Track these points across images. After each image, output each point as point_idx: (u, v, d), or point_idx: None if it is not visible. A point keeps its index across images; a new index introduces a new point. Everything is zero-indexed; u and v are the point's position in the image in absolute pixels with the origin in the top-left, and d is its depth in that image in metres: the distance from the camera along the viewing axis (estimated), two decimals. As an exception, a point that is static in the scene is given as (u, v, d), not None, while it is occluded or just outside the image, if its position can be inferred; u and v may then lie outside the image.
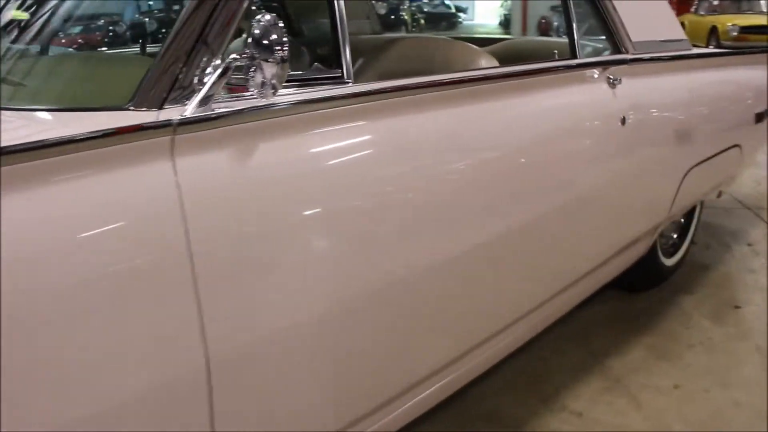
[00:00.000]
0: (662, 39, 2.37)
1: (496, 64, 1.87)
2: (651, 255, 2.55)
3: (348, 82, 1.30)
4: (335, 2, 1.32)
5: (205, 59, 1.07)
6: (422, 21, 17.12)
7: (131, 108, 1.02)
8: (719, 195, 2.97)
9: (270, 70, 1.04)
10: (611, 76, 1.90)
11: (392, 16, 12.81)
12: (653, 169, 2.10)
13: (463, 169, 1.46)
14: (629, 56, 2.03)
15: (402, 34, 3.51)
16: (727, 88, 2.66)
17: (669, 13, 2.49)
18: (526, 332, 1.85)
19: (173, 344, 0.95)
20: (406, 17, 14.06)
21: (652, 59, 2.14)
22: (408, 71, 1.98)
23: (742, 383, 2.12)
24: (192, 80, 1.05)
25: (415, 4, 19.68)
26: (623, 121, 1.89)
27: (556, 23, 11.46)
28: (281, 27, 1.05)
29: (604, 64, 1.91)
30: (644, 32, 2.25)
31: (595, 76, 1.88)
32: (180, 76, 1.05)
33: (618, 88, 1.90)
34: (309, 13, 3.35)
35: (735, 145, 2.74)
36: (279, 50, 1.03)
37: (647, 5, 2.33)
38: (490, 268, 1.57)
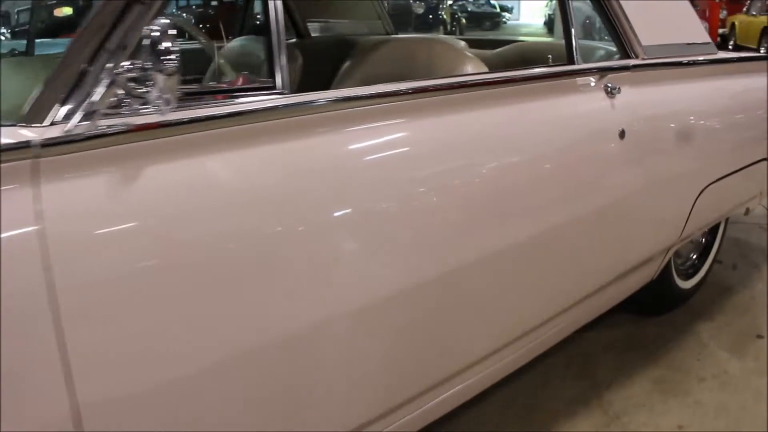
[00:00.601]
0: (680, 42, 2.17)
1: (483, 69, 1.71)
2: (663, 278, 2.35)
3: (283, 93, 1.16)
4: (270, 2, 1.19)
5: (105, 69, 0.95)
6: (463, 21, 16.85)
7: (21, 124, 0.91)
8: (747, 212, 2.73)
9: (162, 82, 0.92)
10: (610, 84, 1.72)
11: (430, 16, 12.62)
12: (659, 187, 1.90)
13: (426, 191, 1.31)
14: (632, 62, 1.84)
15: (404, 35, 3.36)
16: (753, 96, 2.43)
17: (689, 14, 2.28)
18: (519, 358, 1.70)
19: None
20: (445, 17, 13.81)
21: (660, 65, 1.95)
22: (391, 75, 1.86)
23: (758, 426, 1.91)
24: (88, 93, 0.93)
25: (458, 3, 19.43)
26: (622, 134, 1.70)
27: (598, 25, 11.12)
28: (173, 34, 0.92)
29: (602, 71, 1.73)
30: (658, 35, 2.05)
31: (592, 84, 1.70)
32: (75, 88, 0.93)
33: (617, 97, 1.72)
34: (317, 14, 3.24)
35: (763, 159, 2.51)
36: (169, 60, 0.90)
37: (663, 6, 2.14)
38: (475, 291, 1.44)
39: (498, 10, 22.69)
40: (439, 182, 1.32)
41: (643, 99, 1.84)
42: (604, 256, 1.81)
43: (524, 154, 1.51)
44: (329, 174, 1.15)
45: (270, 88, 1.16)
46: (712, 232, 2.70)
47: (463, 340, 1.44)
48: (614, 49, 1.95)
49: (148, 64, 0.91)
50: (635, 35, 1.94)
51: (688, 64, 2.08)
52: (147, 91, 0.93)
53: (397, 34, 3.42)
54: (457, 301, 1.39)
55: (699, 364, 2.24)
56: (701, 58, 2.16)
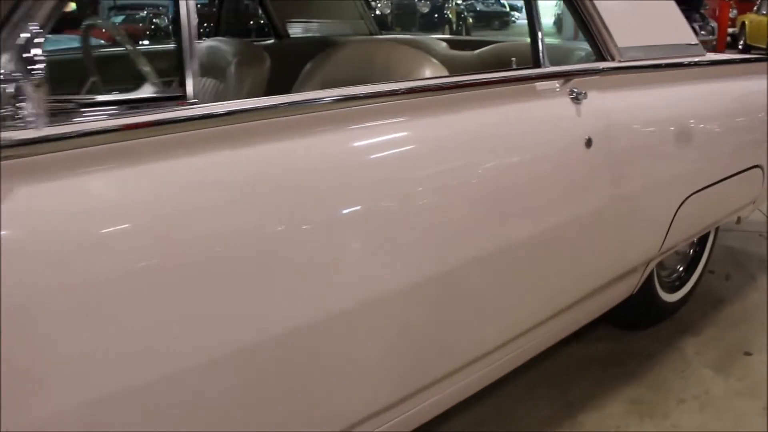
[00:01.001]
0: (663, 44, 2.05)
1: (443, 73, 1.61)
2: (645, 291, 2.23)
3: (193, 104, 1.07)
4: (182, 3, 1.09)
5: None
6: (470, 20, 16.66)
7: None
8: (738, 221, 2.60)
9: (31, 93, 0.83)
10: (575, 90, 1.61)
11: (435, 15, 12.48)
12: (633, 199, 1.79)
13: (372, 207, 1.21)
14: (601, 65, 1.72)
15: (368, 37, 3.25)
16: (746, 100, 2.31)
17: (674, 14, 2.17)
18: (489, 374, 1.62)
19: None
20: (450, 16, 13.68)
21: (636, 68, 1.83)
22: (348, 79, 1.76)
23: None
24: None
25: (466, 2, 19.25)
26: (588, 143, 1.59)
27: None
28: (41, 41, 0.82)
29: (567, 75, 1.62)
30: (637, 36, 1.94)
31: (556, 89, 1.59)
32: None
33: (584, 103, 1.61)
34: (297, 14, 3.15)
35: (755, 166, 2.38)
36: (35, 69, 0.81)
37: (645, 5, 2.02)
38: (425, 314, 1.35)
39: (507, 9, 22.47)
40: (371, 199, 1.22)
41: (615, 105, 1.72)
42: (570, 272, 1.70)
43: (478, 165, 1.40)
44: (227, 192, 1.05)
45: (178, 98, 1.07)
46: (702, 242, 2.58)
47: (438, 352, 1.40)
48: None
49: (16, 73, 0.82)
50: (610, 36, 1.83)
51: (669, 66, 1.97)
52: (19, 103, 0.84)
53: (404, 33, 3.33)
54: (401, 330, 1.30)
55: (681, 382, 2.12)
56: (685, 60, 2.05)
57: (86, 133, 0.90)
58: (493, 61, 2.32)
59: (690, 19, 9.26)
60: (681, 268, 2.51)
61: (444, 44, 2.86)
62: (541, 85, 1.53)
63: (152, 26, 13.38)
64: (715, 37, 10.06)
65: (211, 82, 2.44)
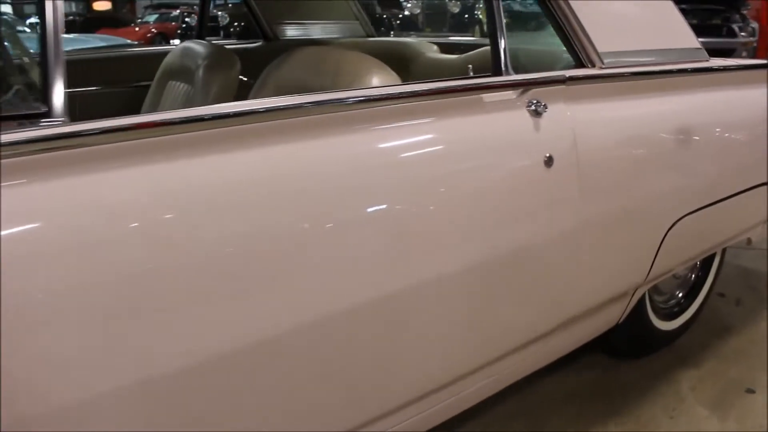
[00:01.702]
0: (658, 48, 1.86)
1: (394, 81, 1.47)
2: (635, 319, 2.04)
3: (57, 122, 0.94)
4: (47, 4, 0.96)
5: None
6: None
7: None
8: (749, 242, 2.38)
9: None
10: (535, 101, 1.43)
11: (465, 16, 12.24)
12: (606, 223, 1.61)
13: (305, 228, 1.10)
14: (567, 73, 1.54)
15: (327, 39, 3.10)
16: (751, 111, 2.10)
17: (672, 14, 1.97)
18: (456, 403, 1.49)
19: None
20: (481, 17, 13.36)
21: (613, 76, 1.65)
22: (299, 85, 1.63)
23: None
24: None
25: (504, 2, 18.83)
26: (549, 161, 1.42)
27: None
28: None
29: (528, 84, 1.45)
30: (624, 40, 1.76)
31: (512, 100, 1.42)
32: None
33: (544, 116, 1.44)
34: (284, 15, 3.02)
35: (762, 184, 2.17)
36: None
37: (634, 6, 1.84)
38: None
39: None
40: (315, 216, 1.10)
41: (586, 117, 1.54)
42: (536, 300, 1.53)
43: (418, 186, 1.25)
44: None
45: (40, 116, 0.94)
46: (706, 265, 2.37)
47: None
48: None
49: None
50: (589, 41, 1.66)
51: (657, 73, 1.78)
52: None
53: (433, 34, 3.19)
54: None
55: (671, 422, 1.93)
56: (677, 66, 1.85)
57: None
58: (479, 65, 2.16)
59: (729, 20, 8.80)
60: (680, 294, 2.31)
61: (435, 48, 2.71)
62: (489, 96, 1.36)
63: (184, 24, 13.48)
64: (756, 39, 9.58)
65: (182, 86, 2.34)
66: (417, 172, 1.25)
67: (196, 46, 2.38)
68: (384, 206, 1.20)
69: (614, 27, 1.74)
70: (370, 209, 1.18)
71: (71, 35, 8.76)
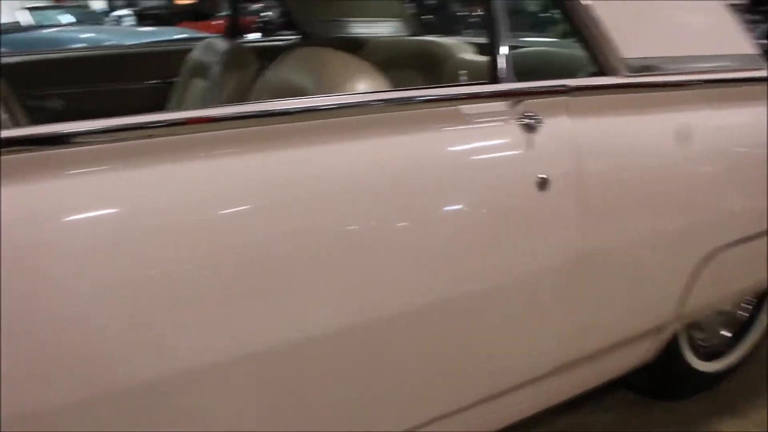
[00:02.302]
0: (699, 54, 1.63)
1: (376, 87, 1.33)
2: (668, 359, 1.82)
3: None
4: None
5: None
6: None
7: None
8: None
9: None
10: (529, 114, 1.26)
11: (540, 15, 11.76)
12: (615, 255, 1.40)
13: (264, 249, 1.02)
14: (571, 83, 1.35)
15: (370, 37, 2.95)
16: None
17: (721, 15, 1.73)
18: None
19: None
20: (557, 16, 12.74)
21: (629, 86, 1.45)
22: (292, 87, 1.53)
23: None
24: None
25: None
26: (543, 184, 1.24)
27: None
28: None
29: (519, 95, 1.27)
30: (656, 45, 1.55)
31: (500, 110, 1.25)
32: None
33: (539, 131, 1.26)
34: (322, 12, 2.92)
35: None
36: None
37: (673, 6, 1.62)
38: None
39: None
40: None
41: (598, 134, 1.35)
42: (541, 336, 1.36)
43: (390, 209, 1.11)
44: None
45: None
46: (759, 301, 2.09)
47: None
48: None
49: None
50: (611, 45, 1.46)
51: (694, 83, 1.55)
52: None
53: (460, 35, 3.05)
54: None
55: (700, 479, 1.70)
56: (720, 76, 1.61)
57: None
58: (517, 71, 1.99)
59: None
60: (725, 332, 2.04)
61: (472, 49, 2.54)
62: (470, 107, 1.20)
63: (262, 18, 13.65)
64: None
65: (202, 82, 2.28)
66: (392, 190, 1.12)
67: (217, 42, 2.32)
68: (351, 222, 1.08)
69: (645, 30, 1.53)
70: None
71: (151, 28, 9.05)
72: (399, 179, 1.13)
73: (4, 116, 1.18)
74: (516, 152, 1.23)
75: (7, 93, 1.62)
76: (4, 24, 7.38)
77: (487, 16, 1.33)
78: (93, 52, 2.73)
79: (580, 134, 1.32)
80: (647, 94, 1.47)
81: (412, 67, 2.45)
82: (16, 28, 7.43)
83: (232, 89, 2.13)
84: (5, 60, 2.30)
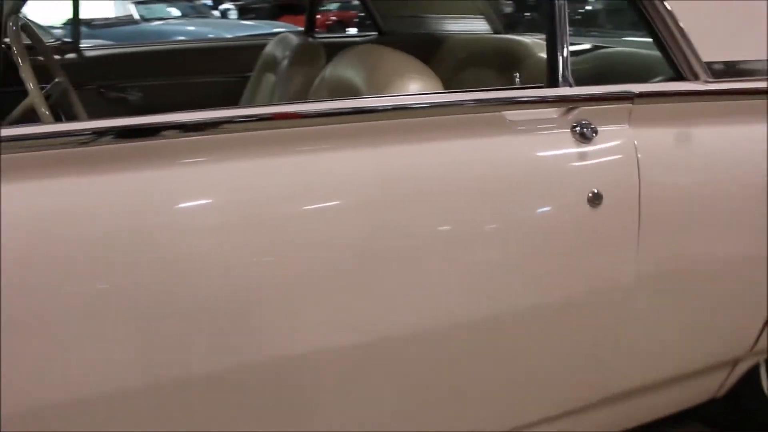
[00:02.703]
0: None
1: (436, 89, 1.26)
2: (747, 390, 1.65)
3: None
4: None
5: None
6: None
7: None
8: None
9: None
10: (584, 122, 1.15)
11: (616, 13, 11.15)
12: (677, 281, 1.27)
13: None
14: (637, 89, 1.22)
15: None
16: None
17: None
18: None
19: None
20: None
21: (711, 93, 1.30)
22: (344, 87, 1.50)
23: None
24: None
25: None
26: (595, 199, 1.13)
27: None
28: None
29: (573, 101, 1.17)
30: (742, 47, 1.40)
31: (551, 117, 1.15)
32: None
33: (594, 142, 1.15)
34: (400, 9, 2.86)
35: None
36: None
37: (757, 5, 1.45)
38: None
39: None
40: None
41: (665, 146, 1.23)
42: (571, 368, 1.26)
43: (429, 220, 1.06)
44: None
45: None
46: None
47: None
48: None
49: None
50: (692, 48, 1.32)
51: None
52: None
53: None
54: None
55: None
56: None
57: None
58: (589, 72, 1.87)
59: None
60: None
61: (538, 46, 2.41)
62: (513, 114, 1.11)
63: (362, 13, 13.74)
64: None
65: (272, 77, 2.28)
66: (430, 201, 1.06)
67: (290, 37, 2.31)
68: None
69: (729, 31, 1.38)
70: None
71: (251, 22, 9.32)
72: (429, 188, 1.06)
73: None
74: (564, 163, 1.13)
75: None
76: (114, 18, 7.81)
77: (546, 12, 1.23)
78: (178, 46, 2.81)
79: (644, 145, 1.20)
80: (728, 102, 1.32)
81: (491, 66, 2.35)
82: (125, 21, 7.85)
83: (298, 85, 2.11)
84: (90, 53, 2.38)
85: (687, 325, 1.34)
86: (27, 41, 1.47)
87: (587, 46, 2.34)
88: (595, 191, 1.13)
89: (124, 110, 2.33)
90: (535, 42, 2.50)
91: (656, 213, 1.20)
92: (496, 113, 1.10)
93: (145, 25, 7.87)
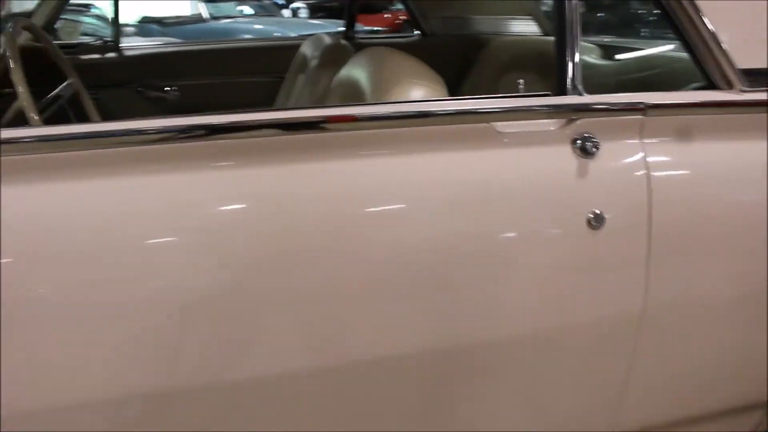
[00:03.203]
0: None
1: (440, 95, 1.19)
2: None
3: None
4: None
5: None
6: None
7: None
8: None
9: None
10: (585, 135, 1.05)
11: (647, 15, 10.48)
12: (689, 313, 1.14)
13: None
14: (651, 99, 1.09)
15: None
16: None
17: None
18: None
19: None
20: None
21: (745, 104, 1.17)
22: (357, 89, 1.45)
23: None
24: None
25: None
26: (596, 220, 1.03)
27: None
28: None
29: (574, 111, 1.06)
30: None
31: (551, 129, 1.05)
32: None
33: (596, 157, 1.05)
34: (439, 9, 2.77)
35: None
36: None
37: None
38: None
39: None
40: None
41: (683, 164, 1.11)
42: (580, 396, 1.16)
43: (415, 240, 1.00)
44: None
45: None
46: None
47: None
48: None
49: None
50: (725, 55, 1.19)
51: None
52: None
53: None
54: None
55: None
56: None
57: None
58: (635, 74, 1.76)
59: None
60: None
61: (596, 51, 2.27)
62: (503, 125, 1.01)
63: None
64: None
65: (302, 77, 2.25)
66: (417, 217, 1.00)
67: (321, 38, 2.27)
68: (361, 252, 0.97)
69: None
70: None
71: (318, 21, 9.36)
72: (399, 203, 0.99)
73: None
74: (561, 180, 1.03)
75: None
76: (184, 16, 8.02)
77: (555, 14, 1.13)
78: (217, 46, 2.80)
79: (658, 163, 1.08)
80: (762, 114, 1.18)
81: (534, 68, 2.24)
82: (194, 19, 8.04)
83: (324, 86, 2.07)
84: (129, 53, 2.41)
85: (705, 361, 1.21)
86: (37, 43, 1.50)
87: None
88: (597, 212, 1.03)
89: (162, 109, 2.35)
90: (582, 45, 2.37)
91: (670, 238, 1.08)
92: (485, 124, 1.01)
93: (213, 24, 8.03)
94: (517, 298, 1.05)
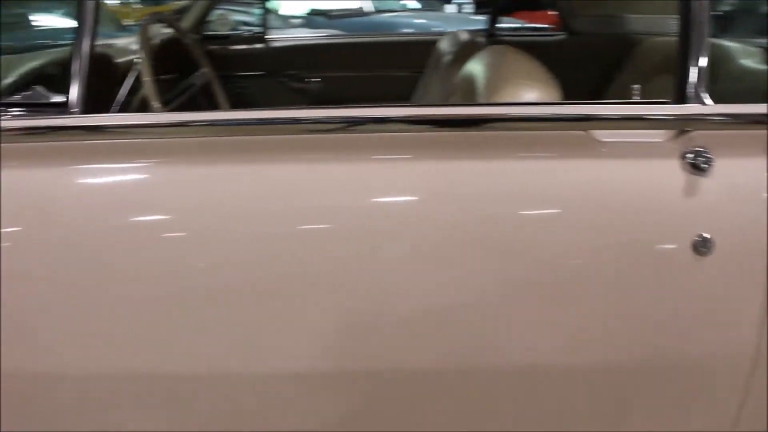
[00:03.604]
0: None
1: (551, 99, 1.14)
2: None
3: (73, 113, 0.98)
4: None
5: None
6: None
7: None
8: None
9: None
10: (698, 149, 0.94)
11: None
12: None
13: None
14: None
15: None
16: None
17: None
18: None
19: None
20: None
21: None
22: (472, 88, 1.43)
23: None
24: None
25: None
26: (702, 245, 0.92)
27: None
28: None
29: (701, 121, 0.95)
30: None
31: (658, 140, 0.95)
32: None
33: (710, 174, 0.93)
34: (587, 7, 2.61)
35: None
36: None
37: None
38: None
39: None
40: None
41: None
42: None
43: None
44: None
45: (60, 106, 0.99)
46: None
47: None
48: None
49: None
50: None
51: None
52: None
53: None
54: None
55: None
56: None
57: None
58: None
59: None
60: None
61: (759, 54, 2.03)
62: (602, 134, 0.93)
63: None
64: None
65: (435, 74, 2.25)
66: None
67: (457, 35, 2.25)
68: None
69: None
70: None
71: (480, 17, 9.26)
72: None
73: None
74: (666, 199, 0.93)
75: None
76: (348, 9, 8.27)
77: (680, 11, 1.03)
78: (359, 39, 2.86)
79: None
80: None
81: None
82: (358, 12, 8.28)
83: (452, 83, 2.05)
84: (275, 44, 2.53)
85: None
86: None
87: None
88: (705, 236, 0.92)
89: (302, 100, 2.45)
90: (741, 48, 2.14)
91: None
92: (582, 132, 0.94)
93: (376, 17, 8.22)
94: (606, 324, 0.97)
